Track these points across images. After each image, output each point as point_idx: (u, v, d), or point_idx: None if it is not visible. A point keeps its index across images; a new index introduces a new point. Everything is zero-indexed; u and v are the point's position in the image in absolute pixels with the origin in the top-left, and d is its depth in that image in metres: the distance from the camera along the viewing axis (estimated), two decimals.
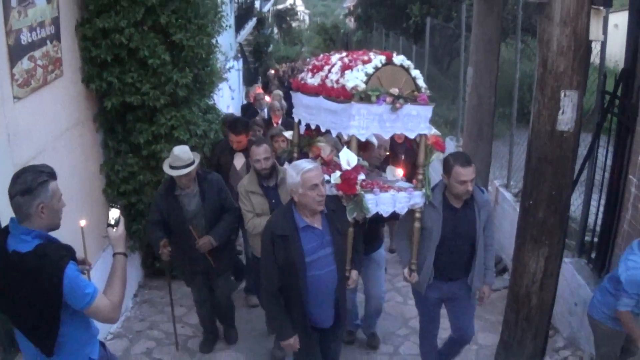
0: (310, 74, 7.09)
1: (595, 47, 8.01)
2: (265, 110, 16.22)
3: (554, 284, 7.42)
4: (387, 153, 8.23)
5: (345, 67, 6.40)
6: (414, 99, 6.37)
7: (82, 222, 5.39)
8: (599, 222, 8.51)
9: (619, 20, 12.40)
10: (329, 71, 6.66)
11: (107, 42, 8.86)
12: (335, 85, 6.37)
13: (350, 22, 53.02)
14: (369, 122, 6.16)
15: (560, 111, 6.64)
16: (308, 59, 45.71)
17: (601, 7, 6.80)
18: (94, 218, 8.94)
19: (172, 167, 7.76)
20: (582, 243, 8.96)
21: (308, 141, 7.81)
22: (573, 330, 8.47)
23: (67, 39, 8.37)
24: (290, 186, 5.79)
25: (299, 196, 5.75)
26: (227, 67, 13.63)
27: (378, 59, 6.26)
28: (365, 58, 6.33)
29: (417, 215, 6.74)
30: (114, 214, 5.10)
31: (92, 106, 9.39)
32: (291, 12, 71.04)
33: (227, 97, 20.49)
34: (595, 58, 8.28)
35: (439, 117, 18.90)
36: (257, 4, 43.74)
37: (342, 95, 6.16)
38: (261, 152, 7.90)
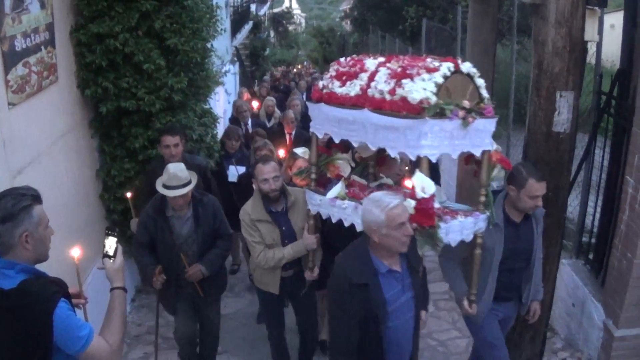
0: (337, 82, 6.18)
1: (591, 48, 8.01)
2: (250, 122, 14.74)
3: (551, 285, 7.41)
4: (407, 168, 7.42)
5: (398, 76, 5.52)
6: (480, 111, 5.62)
7: (76, 253, 4.75)
8: (596, 223, 8.51)
9: (615, 21, 12.41)
10: (371, 79, 5.78)
11: (102, 47, 8.83)
12: (387, 97, 5.46)
13: (347, 25, 53.18)
14: (441, 141, 5.32)
15: (556, 112, 6.65)
16: (305, 63, 45.84)
17: (596, 8, 6.80)
18: (90, 224, 8.96)
19: (166, 187, 7.08)
20: (580, 244, 8.97)
21: (325, 159, 6.87)
22: (571, 331, 8.46)
23: (62, 45, 8.34)
24: (371, 225, 4.95)
25: (381, 237, 4.93)
26: (224, 71, 13.55)
27: (446, 67, 5.40)
28: (431, 65, 5.43)
29: (479, 240, 6.07)
30: (111, 242, 4.60)
31: (87, 112, 9.37)
32: (287, 15, 71.20)
33: (224, 101, 20.49)
34: (591, 58, 8.29)
35: None
36: (253, 8, 43.84)
37: (405, 109, 5.29)
38: (269, 170, 6.97)
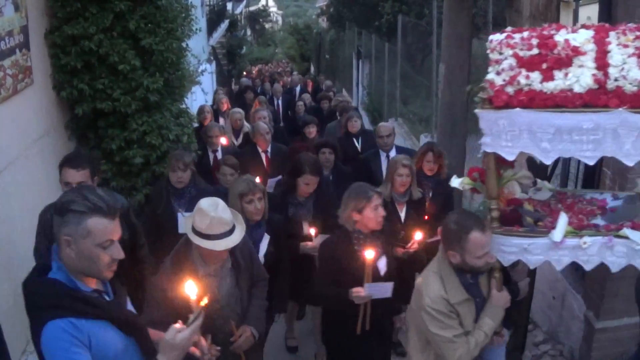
0: (534, 74, 4.44)
1: None
2: (220, 150, 10.67)
3: (531, 278, 7.42)
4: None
5: None
6: None
7: (203, 302, 4.07)
8: None
9: (592, 13, 12.46)
10: (603, 65, 4.26)
11: (77, 49, 8.81)
12: None
13: (323, 22, 53.09)
14: None
15: None
16: (284, 61, 45.58)
17: (571, 0, 6.83)
18: None
19: (205, 236, 5.00)
20: None
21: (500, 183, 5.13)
22: (552, 324, 8.48)
23: (37, 47, 8.32)
24: None
25: None
26: (200, 70, 13.49)
27: None
28: None
29: None
30: (195, 309, 3.95)
31: (63, 113, 9.35)
32: (264, 13, 71.26)
33: (201, 101, 20.44)
34: None
35: (413, 115, 18.95)
36: (229, 6, 43.81)
37: None
38: (489, 239, 4.78)
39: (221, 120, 14.25)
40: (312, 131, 11.69)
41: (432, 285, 4.95)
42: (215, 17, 33.95)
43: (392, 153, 9.60)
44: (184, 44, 10.45)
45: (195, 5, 12.82)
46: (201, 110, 13.18)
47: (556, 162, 8.23)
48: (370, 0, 29.91)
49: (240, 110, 13.87)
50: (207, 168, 10.01)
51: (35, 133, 8.14)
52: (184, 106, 11.13)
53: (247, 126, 13.12)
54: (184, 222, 5.69)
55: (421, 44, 22.74)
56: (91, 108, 9.15)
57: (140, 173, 9.54)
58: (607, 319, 7.39)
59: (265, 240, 6.64)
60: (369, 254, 5.52)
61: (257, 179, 7.60)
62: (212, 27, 31.43)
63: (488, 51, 4.71)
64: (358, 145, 11.46)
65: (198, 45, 17.71)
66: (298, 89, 23.39)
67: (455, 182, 5.25)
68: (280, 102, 19.50)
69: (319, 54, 45.39)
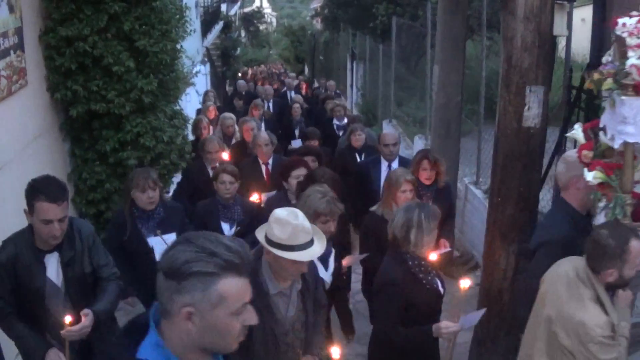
0: None
1: (561, 42, 8.04)
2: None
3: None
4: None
5: None
6: None
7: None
8: None
9: (586, 15, 12.49)
10: None
11: (71, 50, 8.79)
12: None
13: (317, 24, 53.14)
14: None
15: (526, 107, 6.64)
16: (278, 63, 45.61)
17: (565, 2, 6.84)
18: None
19: (286, 248, 4.54)
20: None
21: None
22: None
23: (31, 49, 8.30)
24: None
25: None
26: (194, 71, 13.46)
27: None
28: None
29: None
30: None
31: (57, 115, 9.33)
32: (258, 14, 71.27)
33: (195, 102, 20.44)
34: (561, 53, 8.31)
35: (407, 116, 18.95)
36: (223, 8, 43.80)
37: None
38: None
39: (210, 128, 13.55)
40: (314, 145, 10.96)
41: (595, 313, 4.61)
42: (209, 19, 33.95)
43: (395, 163, 9.21)
44: (178, 46, 10.43)
45: (189, 6, 12.77)
46: (197, 126, 12.35)
47: (550, 163, 8.26)
48: (365, 2, 29.92)
49: (231, 115, 13.14)
50: (205, 185, 8.99)
51: (30, 135, 8.13)
52: (178, 108, 11.12)
53: (238, 136, 12.65)
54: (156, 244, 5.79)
55: (415, 45, 22.72)
56: (85, 109, 9.12)
57: None
58: None
59: (332, 254, 6.30)
60: (465, 283, 5.27)
61: (256, 196, 7.69)
62: (206, 29, 31.44)
63: (625, 34, 4.55)
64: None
65: (192, 47, 17.69)
66: (293, 93, 22.08)
67: (589, 175, 4.94)
68: (270, 105, 18.28)
69: (314, 55, 45.40)
